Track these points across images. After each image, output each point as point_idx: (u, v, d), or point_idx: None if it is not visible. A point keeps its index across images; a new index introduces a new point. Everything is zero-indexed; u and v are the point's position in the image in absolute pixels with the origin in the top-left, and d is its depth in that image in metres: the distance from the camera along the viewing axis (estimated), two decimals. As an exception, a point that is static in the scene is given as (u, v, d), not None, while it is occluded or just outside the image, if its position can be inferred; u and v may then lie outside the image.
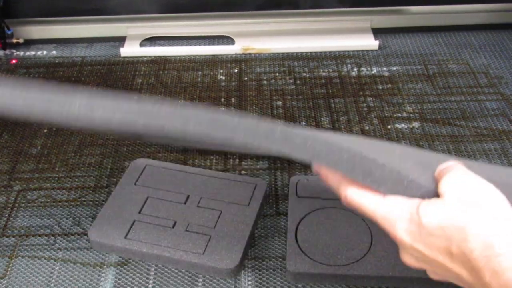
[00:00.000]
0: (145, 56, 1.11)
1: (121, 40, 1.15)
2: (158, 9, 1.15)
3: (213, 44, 1.14)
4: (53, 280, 0.67)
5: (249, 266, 0.68)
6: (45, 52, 1.13)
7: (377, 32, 1.15)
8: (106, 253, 0.70)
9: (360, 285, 0.66)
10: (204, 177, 0.78)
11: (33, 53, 1.13)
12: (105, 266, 0.69)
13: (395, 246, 0.51)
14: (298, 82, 1.02)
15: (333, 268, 0.65)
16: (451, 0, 1.14)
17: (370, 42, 1.11)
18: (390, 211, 0.44)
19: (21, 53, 1.13)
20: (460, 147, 0.86)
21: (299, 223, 0.71)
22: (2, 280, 0.67)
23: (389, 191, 0.46)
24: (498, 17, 1.17)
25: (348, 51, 1.10)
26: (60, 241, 0.72)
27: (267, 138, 0.49)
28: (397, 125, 0.91)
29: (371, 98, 0.97)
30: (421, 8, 1.16)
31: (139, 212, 0.72)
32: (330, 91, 1.00)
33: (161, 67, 1.08)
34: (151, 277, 0.67)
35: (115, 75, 1.05)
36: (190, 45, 1.14)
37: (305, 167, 0.83)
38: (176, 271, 0.68)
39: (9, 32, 1.12)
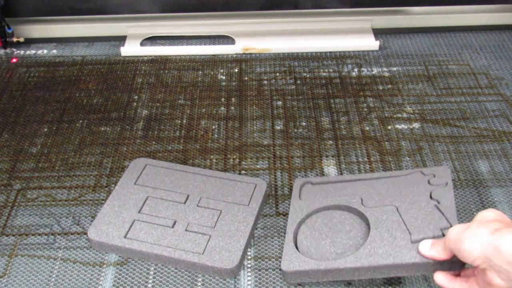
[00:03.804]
0: (145, 56, 1.11)
1: (121, 39, 1.15)
2: (158, 9, 1.15)
3: (214, 43, 1.14)
4: (53, 279, 0.67)
5: (249, 266, 0.68)
6: (45, 51, 1.13)
7: (377, 32, 1.15)
8: (106, 253, 0.70)
9: (353, 278, 0.64)
10: (204, 177, 0.78)
11: (33, 52, 1.13)
12: (104, 266, 0.69)
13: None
14: (299, 82, 1.02)
15: (325, 263, 0.63)
16: (452, 1, 1.14)
17: (370, 43, 1.11)
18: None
19: (22, 52, 1.13)
20: (460, 148, 0.86)
21: (299, 225, 0.70)
22: (1, 279, 0.67)
23: None
24: (499, 18, 1.17)
25: (349, 52, 1.10)
26: (60, 240, 0.72)
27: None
28: (397, 126, 0.91)
29: (371, 99, 0.97)
30: (422, 8, 1.16)
31: (139, 212, 0.72)
32: (331, 91, 1.00)
33: (162, 66, 1.07)
34: (151, 277, 0.67)
35: (115, 74, 1.05)
36: (191, 45, 1.14)
37: (305, 168, 0.83)
38: (176, 270, 0.68)
39: (9, 31, 1.12)
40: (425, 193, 0.69)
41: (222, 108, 0.96)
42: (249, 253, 0.70)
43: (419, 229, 0.63)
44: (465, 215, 0.75)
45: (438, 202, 0.67)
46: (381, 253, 0.62)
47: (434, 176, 0.71)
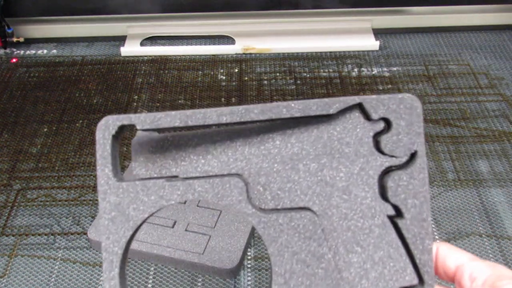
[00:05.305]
0: (145, 56, 1.11)
1: (121, 39, 1.15)
2: (158, 9, 1.15)
3: (214, 43, 1.14)
4: (53, 279, 0.67)
5: (249, 266, 0.68)
6: (45, 51, 1.13)
7: (377, 32, 1.15)
8: (106, 253, 0.70)
9: None
10: (204, 177, 0.78)
11: (33, 52, 1.13)
12: (104, 266, 0.69)
13: None
14: (299, 82, 1.02)
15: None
16: (452, 0, 1.14)
17: (370, 43, 1.11)
18: None
19: (22, 52, 1.13)
20: (460, 148, 0.86)
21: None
22: (1, 279, 0.67)
23: None
24: (499, 18, 1.17)
25: (349, 52, 1.10)
26: (60, 240, 0.72)
27: None
28: (397, 126, 0.91)
29: (371, 99, 0.97)
30: (422, 8, 1.16)
31: (139, 212, 0.72)
32: (331, 91, 1.00)
33: (162, 66, 1.07)
34: (151, 277, 0.67)
35: (115, 74, 1.05)
36: (191, 45, 1.14)
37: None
38: (176, 271, 0.68)
39: (9, 31, 1.12)
40: (370, 180, 0.34)
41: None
42: (249, 253, 0.70)
43: (354, 282, 0.33)
44: (466, 217, 0.75)
45: (398, 212, 0.33)
46: None
47: (389, 127, 0.35)
